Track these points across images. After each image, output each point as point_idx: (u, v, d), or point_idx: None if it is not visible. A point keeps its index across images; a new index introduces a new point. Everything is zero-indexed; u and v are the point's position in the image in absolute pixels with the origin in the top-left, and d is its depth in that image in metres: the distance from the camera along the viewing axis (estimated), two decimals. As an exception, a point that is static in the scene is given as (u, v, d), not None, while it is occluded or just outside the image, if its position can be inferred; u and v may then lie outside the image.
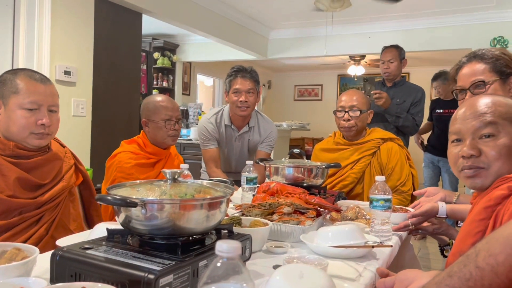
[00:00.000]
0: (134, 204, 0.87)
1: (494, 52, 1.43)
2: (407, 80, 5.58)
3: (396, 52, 3.28)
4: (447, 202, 1.55)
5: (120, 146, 1.99)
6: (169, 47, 6.36)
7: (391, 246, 1.25)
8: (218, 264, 0.53)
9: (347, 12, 4.47)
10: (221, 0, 4.69)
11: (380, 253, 1.23)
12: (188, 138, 5.22)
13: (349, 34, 5.51)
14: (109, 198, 0.88)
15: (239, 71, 2.42)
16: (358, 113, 2.14)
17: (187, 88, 6.86)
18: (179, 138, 2.11)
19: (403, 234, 1.51)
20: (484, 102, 1.06)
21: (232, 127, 2.48)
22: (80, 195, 1.63)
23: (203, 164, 2.66)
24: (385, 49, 3.33)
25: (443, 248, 1.52)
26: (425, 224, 1.52)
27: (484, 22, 4.84)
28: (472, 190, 1.12)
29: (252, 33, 5.68)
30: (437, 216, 1.49)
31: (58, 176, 1.47)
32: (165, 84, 6.39)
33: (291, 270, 0.86)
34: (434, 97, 4.94)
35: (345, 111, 2.16)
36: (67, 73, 3.16)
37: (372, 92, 3.17)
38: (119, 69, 3.68)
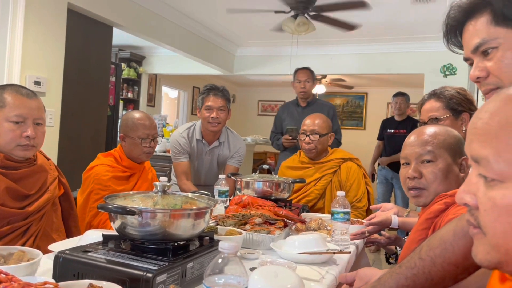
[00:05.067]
0: (132, 212, 1.00)
1: (450, 92, 1.67)
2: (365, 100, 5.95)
3: (310, 73, 3.54)
4: (399, 216, 1.76)
5: (97, 159, 2.07)
6: (136, 59, 6.41)
7: (349, 252, 1.43)
8: (220, 260, 0.67)
9: (311, 35, 4.73)
10: (189, 16, 4.83)
11: (340, 260, 1.41)
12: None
13: (312, 55, 5.79)
14: (110, 206, 1.00)
15: (212, 89, 2.57)
16: (317, 136, 2.34)
17: (152, 100, 6.91)
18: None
19: (360, 243, 1.70)
20: (428, 132, 1.29)
21: (203, 141, 2.61)
22: (60, 206, 1.70)
23: (173, 177, 2.77)
24: (300, 69, 3.57)
25: (389, 256, 1.75)
26: (379, 237, 1.73)
27: (435, 50, 5.23)
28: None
29: (219, 49, 5.84)
30: (390, 227, 1.69)
31: (44, 187, 1.55)
32: (130, 95, 6.42)
33: (267, 270, 1.01)
34: (390, 115, 5.29)
35: (307, 135, 2.36)
36: (37, 83, 3.19)
37: (283, 138, 3.39)
38: (88, 80, 3.73)
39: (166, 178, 1.73)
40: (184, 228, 1.08)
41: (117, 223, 1.07)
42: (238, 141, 2.69)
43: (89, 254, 1.00)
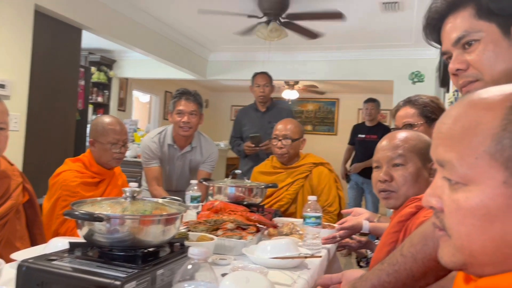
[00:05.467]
0: (100, 219, 0.97)
1: (425, 100, 1.71)
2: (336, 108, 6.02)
3: (268, 77, 3.56)
4: (370, 222, 1.79)
5: (65, 164, 2.02)
6: (106, 62, 6.30)
7: (321, 257, 1.44)
8: (190, 266, 0.66)
9: (283, 41, 4.77)
10: (161, 20, 4.79)
11: (311, 264, 1.41)
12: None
13: (285, 61, 5.84)
14: (77, 213, 0.97)
15: (184, 93, 2.54)
16: (289, 141, 2.36)
17: (123, 104, 6.80)
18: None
19: (331, 248, 1.72)
20: (399, 137, 1.32)
21: (175, 146, 2.58)
22: (24, 214, 1.65)
23: (143, 182, 2.72)
24: (258, 74, 3.59)
25: (360, 260, 1.78)
26: (351, 241, 1.76)
27: (404, 57, 5.38)
28: (391, 211, 1.37)
29: (191, 54, 5.81)
30: (361, 232, 1.72)
31: (6, 194, 1.49)
32: (100, 99, 6.29)
33: (238, 276, 1.00)
34: (361, 121, 5.38)
35: (279, 140, 2.37)
36: (1, 86, 3.08)
37: (245, 145, 3.40)
38: (56, 84, 3.63)
39: (136, 184, 1.70)
40: (154, 234, 1.05)
41: (84, 230, 1.04)
42: (211, 146, 2.67)
43: (54, 262, 0.97)
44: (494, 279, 0.50)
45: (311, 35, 4.18)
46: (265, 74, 3.59)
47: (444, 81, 3.52)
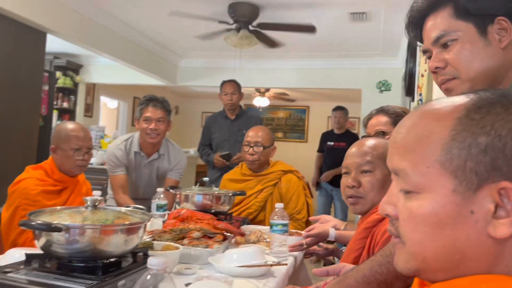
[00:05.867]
0: (58, 229, 0.94)
1: (397, 110, 1.76)
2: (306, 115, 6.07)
3: (236, 85, 3.59)
4: (336, 229, 1.80)
5: (25, 172, 1.94)
6: (72, 67, 6.14)
7: (286, 264, 1.44)
8: (148, 277, 0.64)
9: (254, 49, 4.80)
10: (130, 25, 4.72)
11: (278, 272, 1.41)
12: (90, 162, 5.03)
13: (256, 68, 5.86)
14: (34, 223, 0.93)
15: (151, 100, 2.51)
16: (261, 148, 2.36)
17: (90, 110, 6.64)
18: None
19: (298, 255, 1.72)
20: (368, 144, 1.34)
21: (142, 154, 2.54)
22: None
23: (109, 190, 2.66)
24: (226, 82, 3.61)
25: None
26: (318, 249, 1.76)
27: (372, 67, 5.50)
28: (359, 218, 1.39)
29: (161, 60, 5.75)
30: (327, 239, 1.73)
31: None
32: (65, 105, 6.11)
33: (202, 285, 0.98)
34: (329, 129, 5.45)
35: (250, 146, 2.37)
36: (-41, 90, 2.96)
37: (220, 156, 3.38)
38: (19, 88, 3.51)
39: (99, 192, 1.66)
40: (115, 244, 1.03)
41: (42, 240, 1.00)
42: (179, 154, 2.64)
43: (9, 275, 0.92)
44: (445, 285, 0.51)
45: (272, 43, 4.23)
46: (233, 82, 3.60)
47: (409, 90, 3.62)
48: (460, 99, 0.53)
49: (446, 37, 0.88)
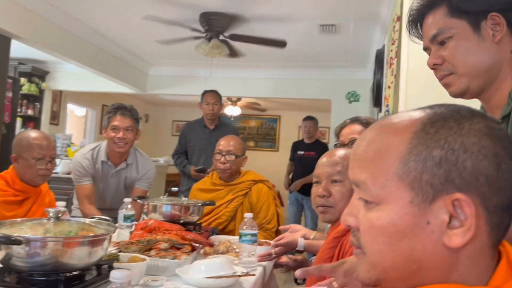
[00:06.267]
0: (18, 242, 0.90)
1: (369, 121, 1.79)
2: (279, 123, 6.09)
3: (218, 96, 3.64)
4: (306, 239, 1.81)
5: (-15, 181, 1.87)
6: (38, 74, 5.97)
7: (255, 275, 1.43)
8: (111, 291, 0.63)
9: (225, 58, 4.81)
10: (98, 31, 4.64)
11: (246, 282, 1.40)
12: (55, 171, 4.90)
13: (227, 77, 5.86)
14: (-9, 236, 0.90)
15: (119, 108, 2.47)
16: (233, 157, 2.36)
17: (56, 118, 6.46)
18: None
19: (267, 265, 1.72)
20: (338, 154, 1.37)
21: (109, 163, 2.49)
22: None
23: (75, 201, 2.58)
24: (208, 92, 3.66)
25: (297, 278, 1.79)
26: (287, 260, 1.77)
27: (341, 78, 5.61)
28: (328, 226, 1.41)
29: (131, 67, 5.67)
30: (296, 249, 1.74)
31: None
32: (30, 112, 5.92)
33: (169, 298, 0.97)
34: (300, 138, 5.51)
35: (222, 155, 2.36)
36: None
37: (195, 171, 3.40)
38: (-20, 95, 3.39)
39: (63, 203, 1.61)
40: (79, 257, 1.00)
41: (1, 254, 0.96)
42: (147, 163, 2.60)
43: (-37, 291, 0.88)
44: None
45: (233, 53, 4.26)
46: (215, 93, 3.63)
47: (377, 101, 3.71)
48: (417, 114, 0.55)
49: (442, 35, 0.93)
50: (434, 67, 0.97)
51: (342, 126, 1.86)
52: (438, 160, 0.50)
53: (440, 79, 0.98)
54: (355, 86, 5.58)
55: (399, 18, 2.38)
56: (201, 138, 3.57)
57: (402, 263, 0.52)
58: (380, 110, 3.62)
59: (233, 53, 4.25)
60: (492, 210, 0.50)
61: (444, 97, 1.94)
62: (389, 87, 2.87)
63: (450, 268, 0.51)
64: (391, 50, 2.81)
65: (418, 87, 2.01)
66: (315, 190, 1.37)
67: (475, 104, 0.97)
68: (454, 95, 0.97)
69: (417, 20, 1.00)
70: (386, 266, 0.53)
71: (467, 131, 0.51)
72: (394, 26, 2.72)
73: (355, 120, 1.83)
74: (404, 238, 0.51)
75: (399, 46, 2.33)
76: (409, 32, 1.03)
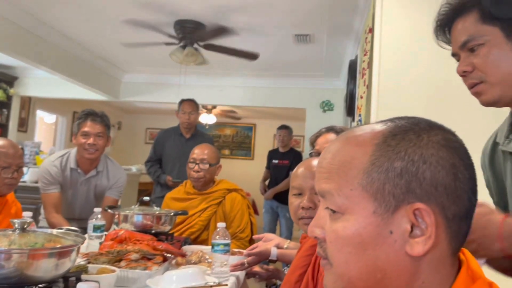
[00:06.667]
0: (-21, 255, 0.87)
1: (343, 129, 1.81)
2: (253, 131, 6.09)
3: (195, 105, 3.65)
4: (279, 248, 1.81)
5: None
6: (6, 79, 5.80)
7: (227, 285, 1.42)
8: (77, 305, 0.61)
9: (200, 66, 4.80)
10: (70, 38, 4.55)
11: (219, 293, 1.39)
12: (23, 180, 4.74)
13: (202, 85, 5.85)
14: (-50, 249, 0.86)
15: (90, 114, 2.43)
16: (207, 166, 2.35)
17: (24, 125, 6.28)
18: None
19: (240, 274, 1.70)
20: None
21: (78, 170, 2.43)
22: None
23: (42, 211, 2.51)
24: (186, 101, 3.65)
25: (270, 287, 1.79)
26: (260, 270, 1.76)
27: (315, 87, 5.68)
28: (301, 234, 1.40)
29: (103, 74, 5.58)
30: (269, 258, 1.73)
31: None
32: (-4, 119, 5.75)
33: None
34: (276, 146, 5.53)
35: (196, 163, 2.34)
36: None
37: (172, 181, 3.36)
38: None
39: (30, 213, 1.56)
40: (45, 269, 0.97)
41: (-40, 267, 0.92)
42: (118, 171, 2.55)
43: None
44: None
45: (252, 56, 4.25)
46: (192, 102, 3.62)
47: (350, 111, 3.76)
48: (378, 127, 0.57)
49: (473, 41, 0.90)
50: (463, 74, 0.94)
51: (318, 135, 1.87)
52: (400, 171, 0.52)
53: (469, 87, 0.95)
54: (329, 96, 5.65)
55: (371, 30, 2.44)
56: (177, 147, 3.55)
57: (367, 273, 0.53)
58: (353, 120, 3.68)
59: (207, 61, 4.25)
60: (451, 219, 0.53)
61: (414, 108, 1.98)
62: (361, 97, 2.92)
63: (413, 276, 0.52)
64: (364, 61, 2.87)
65: (389, 98, 2.06)
66: (297, 202, 1.32)
67: (499, 110, 0.95)
68: (486, 104, 0.94)
69: (445, 25, 0.97)
70: (352, 276, 0.54)
71: (425, 143, 0.53)
72: (366, 38, 2.78)
73: (330, 129, 1.85)
74: (368, 247, 0.52)
75: (371, 57, 2.38)
76: (437, 37, 1.00)
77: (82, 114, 2.44)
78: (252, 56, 3.90)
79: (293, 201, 1.36)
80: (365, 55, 2.82)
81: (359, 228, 0.52)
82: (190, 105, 3.58)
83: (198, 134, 3.65)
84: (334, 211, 0.55)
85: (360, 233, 0.52)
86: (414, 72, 2.01)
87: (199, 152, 2.40)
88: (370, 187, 0.52)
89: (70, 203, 2.46)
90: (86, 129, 2.36)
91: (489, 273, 0.59)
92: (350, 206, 0.53)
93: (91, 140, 2.34)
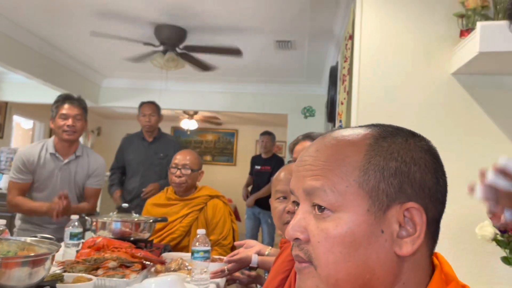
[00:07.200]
0: None
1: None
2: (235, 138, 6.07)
3: (155, 107, 3.58)
4: (260, 254, 1.80)
5: None
6: (-18, 84, 5.67)
7: (207, 293, 1.40)
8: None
9: (182, 71, 4.77)
10: (48, 41, 4.46)
11: (199, 300, 1.37)
12: (-3, 187, 4.63)
13: (183, 91, 5.81)
14: None
15: (67, 98, 2.43)
16: (189, 171, 2.33)
17: (0, 130, 6.14)
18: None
19: (220, 282, 1.68)
20: None
21: (57, 155, 2.38)
22: None
23: (18, 221, 2.44)
24: (145, 104, 3.60)
25: None
26: (241, 276, 1.74)
27: (297, 93, 5.71)
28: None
29: (82, 79, 5.50)
30: (250, 265, 1.72)
31: None
32: (-28, 124, 5.60)
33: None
34: (258, 152, 5.54)
35: (178, 169, 2.32)
36: None
37: (144, 192, 3.30)
38: None
39: (4, 221, 1.51)
40: (18, 278, 0.94)
41: None
42: (97, 159, 2.52)
43: None
44: None
45: (205, 67, 4.26)
46: (152, 104, 3.56)
47: (331, 117, 3.79)
48: (363, 130, 0.57)
49: None
50: None
51: (295, 142, 1.87)
52: (394, 171, 0.53)
53: None
54: (310, 102, 5.69)
55: (351, 37, 2.46)
56: (139, 151, 3.48)
57: (355, 274, 0.52)
58: (334, 125, 3.70)
59: (204, 67, 4.22)
60: (430, 221, 0.54)
61: (394, 115, 2.00)
62: (342, 103, 2.94)
63: (396, 277, 0.53)
64: (344, 67, 2.90)
65: (369, 104, 2.08)
66: (282, 206, 1.31)
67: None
68: None
69: None
70: (339, 278, 0.52)
71: (413, 146, 0.55)
72: (347, 44, 2.80)
73: (306, 136, 1.85)
74: (360, 247, 0.51)
75: (351, 64, 2.40)
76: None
77: (59, 98, 2.44)
78: (235, 52, 3.88)
79: (276, 205, 1.34)
80: (345, 61, 2.85)
81: (352, 226, 0.52)
82: (150, 107, 3.51)
83: (162, 138, 3.57)
84: (322, 210, 0.53)
85: (353, 232, 0.52)
86: (394, 79, 2.03)
87: (181, 157, 2.38)
88: (366, 184, 0.52)
89: (50, 193, 2.37)
90: (64, 111, 2.35)
91: (463, 277, 0.59)
92: (344, 204, 0.52)
93: (69, 122, 2.33)
